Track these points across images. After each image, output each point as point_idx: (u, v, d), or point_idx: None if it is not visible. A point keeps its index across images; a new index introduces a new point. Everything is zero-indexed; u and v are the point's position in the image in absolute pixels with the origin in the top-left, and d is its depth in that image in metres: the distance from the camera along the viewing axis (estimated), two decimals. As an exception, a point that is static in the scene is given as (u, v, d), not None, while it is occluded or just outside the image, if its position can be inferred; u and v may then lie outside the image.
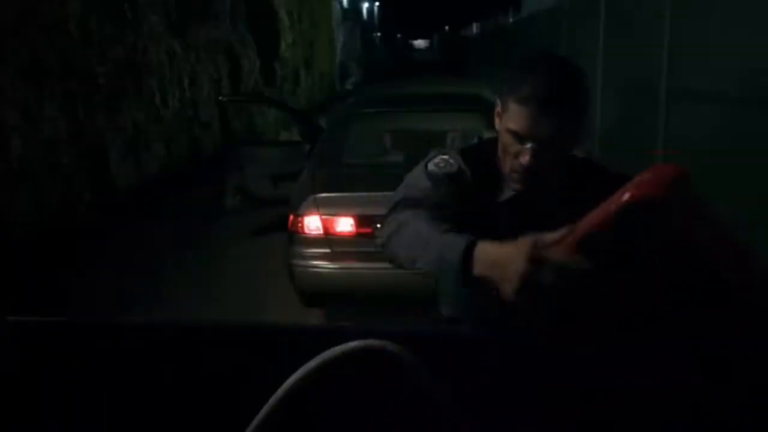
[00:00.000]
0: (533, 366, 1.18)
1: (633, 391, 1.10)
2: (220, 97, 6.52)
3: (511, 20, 17.51)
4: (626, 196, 1.00)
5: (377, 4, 36.95)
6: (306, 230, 3.66)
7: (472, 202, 1.43)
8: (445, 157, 1.47)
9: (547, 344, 1.25)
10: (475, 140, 1.72)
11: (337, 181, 3.91)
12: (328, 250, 3.66)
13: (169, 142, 8.41)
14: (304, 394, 1.11)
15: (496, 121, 1.39)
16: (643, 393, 1.10)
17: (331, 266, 3.67)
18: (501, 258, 1.13)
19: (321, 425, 1.17)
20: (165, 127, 8.33)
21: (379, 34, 35.52)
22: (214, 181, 6.20)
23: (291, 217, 3.75)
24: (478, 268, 1.17)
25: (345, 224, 3.66)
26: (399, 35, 37.17)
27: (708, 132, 5.15)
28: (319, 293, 3.81)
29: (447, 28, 37.76)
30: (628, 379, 1.12)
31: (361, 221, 3.61)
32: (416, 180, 1.47)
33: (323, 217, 3.65)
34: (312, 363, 1.12)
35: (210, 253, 5.43)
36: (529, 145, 1.31)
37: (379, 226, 1.46)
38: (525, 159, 1.32)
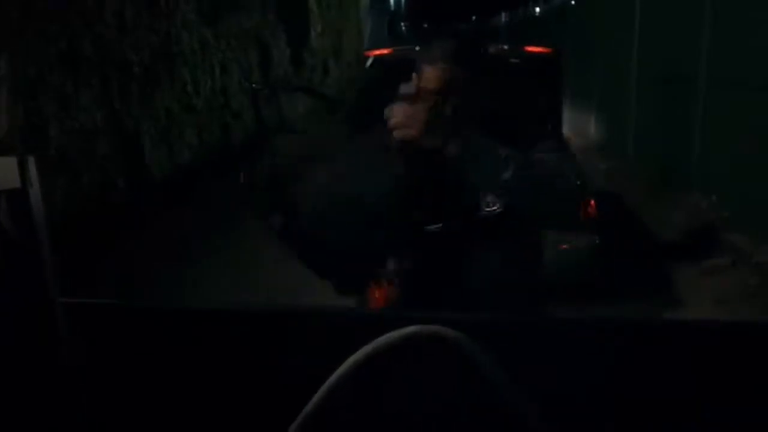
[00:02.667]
0: (590, 348, 1.15)
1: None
2: (254, 85, 6.51)
3: (538, 10, 17.27)
4: None
5: (405, -7, 36.77)
6: None
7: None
8: None
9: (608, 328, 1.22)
10: None
11: None
12: None
13: (201, 131, 8.46)
14: (361, 378, 1.09)
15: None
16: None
17: None
18: None
19: (377, 410, 1.16)
20: (197, 115, 8.39)
21: (406, 23, 35.30)
22: (245, 169, 6.22)
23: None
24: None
25: None
26: (426, 25, 36.87)
27: (748, 121, 5.03)
28: None
29: (474, 18, 37.35)
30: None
31: None
32: None
33: None
34: (368, 347, 1.10)
35: (244, 240, 5.45)
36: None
37: None
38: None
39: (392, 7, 32.23)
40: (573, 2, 11.56)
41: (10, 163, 0.86)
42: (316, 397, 1.08)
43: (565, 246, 3.70)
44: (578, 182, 3.89)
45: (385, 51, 4.48)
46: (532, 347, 1.16)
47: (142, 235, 5.37)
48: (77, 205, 5.48)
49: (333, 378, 1.08)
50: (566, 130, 10.01)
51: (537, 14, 17.09)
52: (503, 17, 24.32)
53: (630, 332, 1.20)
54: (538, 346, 1.18)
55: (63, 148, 5.48)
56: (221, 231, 5.65)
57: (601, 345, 1.16)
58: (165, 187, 6.99)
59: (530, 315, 1.59)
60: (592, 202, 3.81)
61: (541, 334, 1.21)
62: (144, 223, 5.68)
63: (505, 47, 4.57)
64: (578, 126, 10.60)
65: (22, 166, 0.87)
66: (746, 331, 1.23)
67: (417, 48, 4.89)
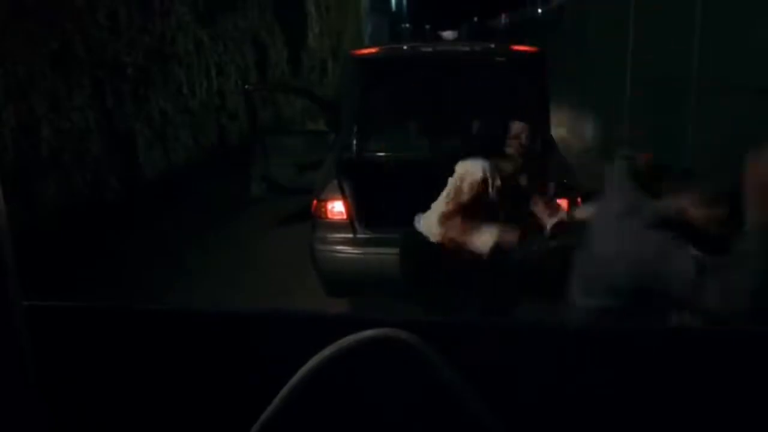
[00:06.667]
0: (541, 352, 1.16)
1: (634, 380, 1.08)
2: (246, 86, 6.51)
3: (540, 11, 17.31)
4: None
5: (407, -6, 36.81)
6: (329, 215, 3.63)
7: None
8: None
9: (559, 330, 1.23)
10: None
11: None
12: (350, 235, 3.61)
13: (196, 132, 8.47)
14: (319, 382, 1.10)
15: None
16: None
17: (353, 251, 3.61)
18: None
19: (336, 413, 1.17)
20: (192, 116, 8.40)
21: (407, 25, 35.31)
22: (240, 170, 6.23)
23: (314, 201, 3.73)
24: None
25: None
26: (428, 26, 36.92)
27: (739, 123, 5.03)
28: (340, 279, 3.75)
29: (475, 19, 37.38)
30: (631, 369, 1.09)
31: None
32: None
33: (347, 201, 3.60)
34: (326, 352, 1.11)
35: (236, 241, 5.46)
36: None
37: None
38: None
39: (393, 10, 32.24)
40: (566, 8, 11.57)
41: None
42: (275, 402, 1.09)
43: (553, 243, 3.68)
44: (564, 180, 3.90)
45: (372, 50, 4.44)
46: (522, 353, 1.16)
47: (134, 236, 5.38)
48: (68, 205, 5.50)
49: (291, 382, 1.09)
50: (563, 133, 10.02)
51: (535, 17, 17.12)
52: (501, 19, 24.36)
53: (620, 340, 1.20)
54: (525, 352, 1.18)
55: (55, 148, 5.50)
56: (214, 233, 5.65)
57: (590, 354, 1.16)
58: (159, 187, 7.00)
59: (515, 321, 1.59)
60: (579, 199, 3.80)
61: (527, 340, 1.21)
62: (136, 223, 5.68)
63: (492, 46, 4.54)
64: (576, 128, 10.60)
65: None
66: (740, 341, 1.22)
67: (405, 47, 4.87)
